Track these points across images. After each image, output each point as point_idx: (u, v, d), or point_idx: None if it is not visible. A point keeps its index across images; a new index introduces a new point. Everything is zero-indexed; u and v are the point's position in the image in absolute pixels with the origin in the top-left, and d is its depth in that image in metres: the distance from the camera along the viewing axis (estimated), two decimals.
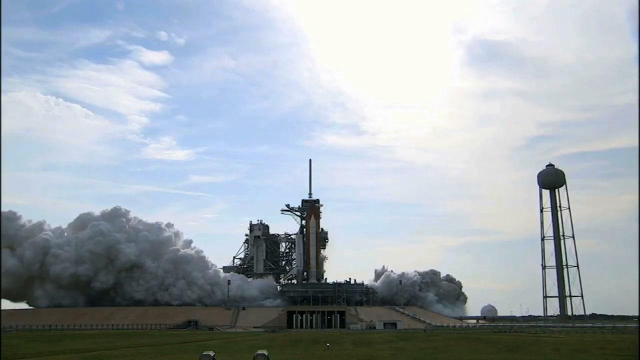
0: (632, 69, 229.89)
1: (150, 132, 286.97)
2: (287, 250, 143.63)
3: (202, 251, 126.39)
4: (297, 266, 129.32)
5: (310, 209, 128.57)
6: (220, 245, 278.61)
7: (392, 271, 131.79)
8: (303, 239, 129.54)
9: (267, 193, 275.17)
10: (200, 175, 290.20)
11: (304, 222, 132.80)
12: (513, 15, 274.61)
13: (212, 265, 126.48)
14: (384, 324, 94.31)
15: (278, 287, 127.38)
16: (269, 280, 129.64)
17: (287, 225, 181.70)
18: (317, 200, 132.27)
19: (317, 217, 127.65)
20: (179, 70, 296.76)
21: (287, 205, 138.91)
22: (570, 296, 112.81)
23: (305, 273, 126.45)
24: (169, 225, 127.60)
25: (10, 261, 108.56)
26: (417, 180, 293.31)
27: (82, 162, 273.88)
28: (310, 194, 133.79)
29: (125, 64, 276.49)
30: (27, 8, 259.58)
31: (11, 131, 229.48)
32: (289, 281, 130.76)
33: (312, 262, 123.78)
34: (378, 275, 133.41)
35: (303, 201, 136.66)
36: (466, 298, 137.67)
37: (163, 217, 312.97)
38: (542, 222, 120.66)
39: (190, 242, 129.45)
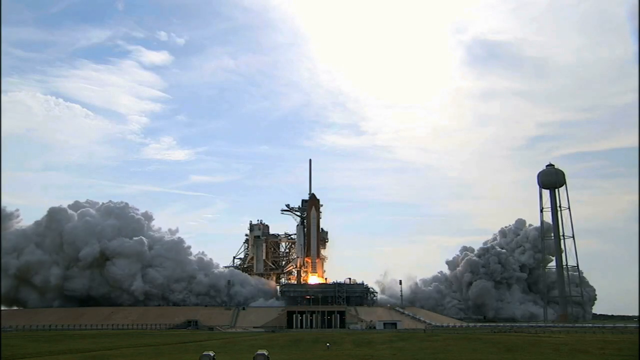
0: (632, 69, 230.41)
1: (150, 132, 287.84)
2: (287, 250, 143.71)
3: (203, 252, 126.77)
4: (298, 257, 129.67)
5: (310, 201, 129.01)
6: (220, 245, 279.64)
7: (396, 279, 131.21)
8: (304, 230, 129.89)
9: (267, 193, 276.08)
10: (200, 175, 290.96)
11: (305, 221, 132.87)
12: (513, 15, 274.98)
13: (215, 264, 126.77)
14: (384, 324, 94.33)
15: (278, 287, 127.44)
16: (269, 280, 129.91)
17: (287, 225, 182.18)
18: (317, 200, 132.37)
19: (317, 209, 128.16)
20: (179, 70, 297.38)
21: (287, 205, 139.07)
22: (571, 296, 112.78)
23: (304, 268, 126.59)
24: (172, 231, 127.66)
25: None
26: (417, 180, 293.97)
27: (82, 162, 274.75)
28: (310, 193, 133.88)
29: (125, 64, 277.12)
30: (27, 8, 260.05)
31: (11, 131, 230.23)
32: (289, 280, 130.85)
33: (313, 253, 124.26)
34: (381, 286, 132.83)
35: (303, 201, 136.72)
36: None
37: (163, 217, 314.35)
38: (542, 222, 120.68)
39: (189, 247, 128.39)
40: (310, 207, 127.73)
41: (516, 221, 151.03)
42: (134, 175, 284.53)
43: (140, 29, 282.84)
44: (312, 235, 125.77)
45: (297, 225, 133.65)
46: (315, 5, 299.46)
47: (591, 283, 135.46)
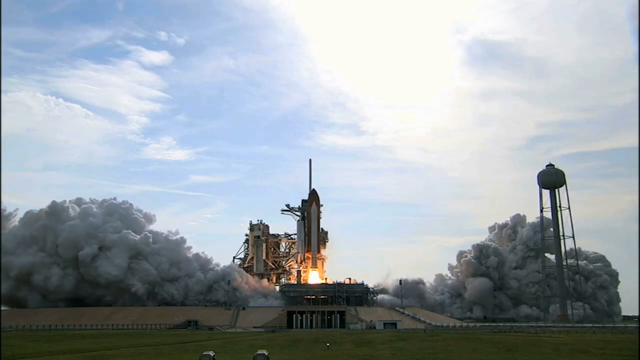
0: (632, 69, 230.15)
1: (150, 132, 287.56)
2: (287, 250, 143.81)
3: (204, 252, 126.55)
4: (298, 253, 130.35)
5: (311, 197, 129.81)
6: (220, 245, 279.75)
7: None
8: (304, 226, 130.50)
9: (267, 193, 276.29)
10: (200, 175, 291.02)
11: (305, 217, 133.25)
12: (513, 15, 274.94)
13: (215, 263, 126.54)
14: (384, 324, 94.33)
15: (277, 287, 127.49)
16: (270, 282, 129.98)
17: (287, 225, 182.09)
18: (318, 196, 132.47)
19: (318, 205, 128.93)
20: (179, 70, 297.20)
21: (287, 205, 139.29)
22: (571, 296, 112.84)
23: (304, 265, 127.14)
24: (173, 233, 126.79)
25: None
26: (417, 181, 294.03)
27: (81, 162, 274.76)
28: (311, 190, 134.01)
29: (125, 64, 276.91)
30: (27, 8, 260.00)
31: (11, 131, 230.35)
32: (289, 280, 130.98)
33: (314, 249, 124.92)
34: (384, 286, 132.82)
35: (303, 201, 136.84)
36: None
37: (163, 217, 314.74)
38: (542, 222, 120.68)
39: (190, 248, 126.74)
40: (310, 203, 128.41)
41: (512, 217, 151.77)
42: (134, 175, 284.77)
43: (140, 29, 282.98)
44: (312, 231, 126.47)
45: (298, 221, 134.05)
46: (315, 5, 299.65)
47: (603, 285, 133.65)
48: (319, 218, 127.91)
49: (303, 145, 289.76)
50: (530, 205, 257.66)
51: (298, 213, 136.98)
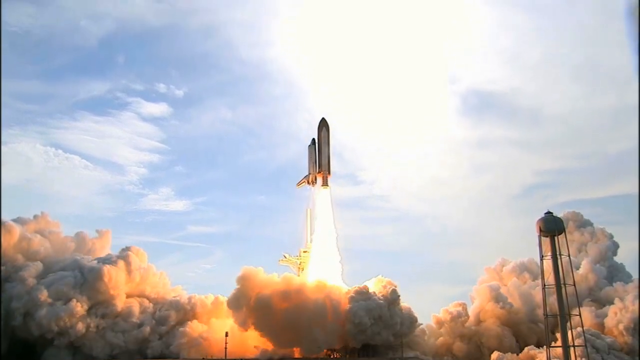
0: (626, 117, 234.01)
1: (149, 183, 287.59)
2: None
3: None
4: (310, 174, 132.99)
5: (321, 123, 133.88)
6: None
7: None
8: (315, 149, 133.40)
9: (265, 243, 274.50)
10: (198, 226, 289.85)
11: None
12: (507, 65, 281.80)
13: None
14: None
15: None
16: None
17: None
18: (327, 123, 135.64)
19: (328, 129, 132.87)
20: (178, 121, 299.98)
21: (285, 256, 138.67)
22: (574, 346, 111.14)
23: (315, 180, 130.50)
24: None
25: None
26: (415, 229, 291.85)
27: (80, 213, 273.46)
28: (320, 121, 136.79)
29: (124, 115, 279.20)
30: (28, 61, 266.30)
31: (11, 182, 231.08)
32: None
33: (324, 169, 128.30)
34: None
35: (301, 251, 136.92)
36: None
37: (161, 267, 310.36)
38: (542, 270, 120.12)
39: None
40: (320, 129, 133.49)
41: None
42: (132, 226, 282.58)
43: (140, 81, 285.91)
44: (323, 152, 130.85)
45: (309, 146, 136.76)
46: (312, 58, 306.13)
47: None
48: (329, 141, 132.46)
49: (301, 195, 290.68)
50: (530, 253, 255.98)
51: (297, 262, 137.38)
